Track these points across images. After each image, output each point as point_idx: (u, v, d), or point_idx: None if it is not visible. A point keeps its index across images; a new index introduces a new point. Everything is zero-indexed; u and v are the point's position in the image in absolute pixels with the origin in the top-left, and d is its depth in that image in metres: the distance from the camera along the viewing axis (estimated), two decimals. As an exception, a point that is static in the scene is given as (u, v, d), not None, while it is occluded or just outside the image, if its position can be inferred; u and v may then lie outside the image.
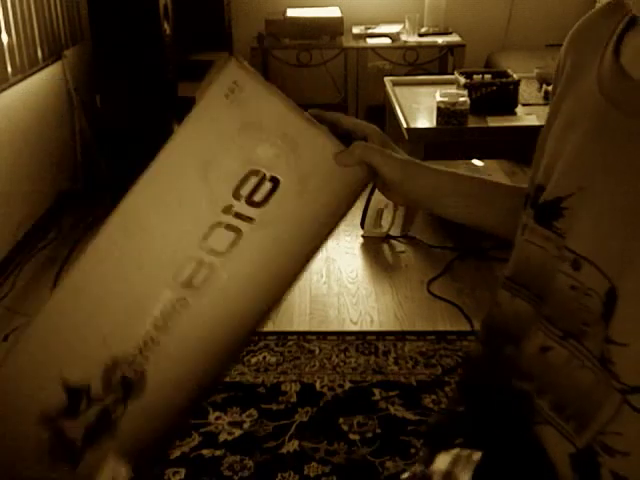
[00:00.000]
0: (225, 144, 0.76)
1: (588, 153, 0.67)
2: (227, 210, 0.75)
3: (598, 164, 0.65)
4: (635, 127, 0.63)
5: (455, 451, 0.74)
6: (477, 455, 0.71)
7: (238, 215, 0.75)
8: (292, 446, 2.04)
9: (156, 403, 0.79)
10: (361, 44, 4.38)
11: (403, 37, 4.38)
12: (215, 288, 0.78)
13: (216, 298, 0.79)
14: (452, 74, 3.61)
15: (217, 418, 2.15)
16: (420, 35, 4.40)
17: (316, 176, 0.78)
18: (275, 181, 0.76)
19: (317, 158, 0.78)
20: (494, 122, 3.13)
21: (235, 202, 0.75)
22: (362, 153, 0.79)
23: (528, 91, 3.47)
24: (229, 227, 0.76)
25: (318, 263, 3.08)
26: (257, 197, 0.75)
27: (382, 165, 0.83)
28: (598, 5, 0.78)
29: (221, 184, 0.75)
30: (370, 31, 4.47)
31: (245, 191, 0.75)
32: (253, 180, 0.75)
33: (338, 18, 4.31)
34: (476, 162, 4.10)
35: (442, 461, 0.75)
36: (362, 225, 3.29)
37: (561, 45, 0.82)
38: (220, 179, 0.75)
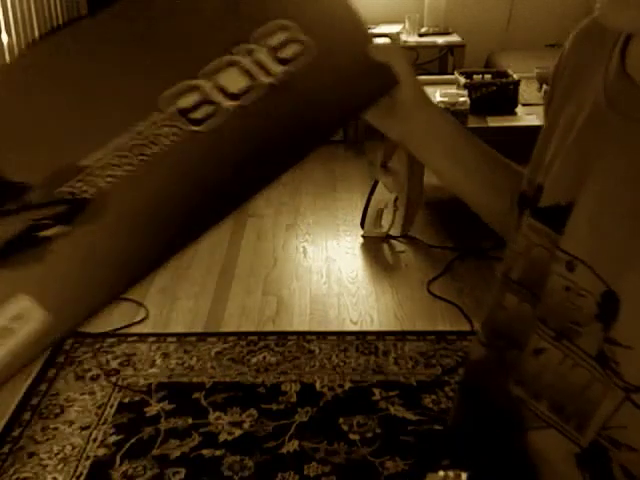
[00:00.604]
0: None
1: (587, 156, 0.67)
2: (248, 52, 0.67)
3: (597, 168, 0.65)
4: (636, 131, 0.63)
5: (442, 474, 0.73)
6: (464, 476, 0.71)
7: (259, 63, 0.68)
8: (292, 446, 2.04)
9: (105, 243, 0.65)
10: (361, 44, 4.37)
11: (403, 37, 4.39)
12: (213, 130, 0.67)
13: (211, 141, 0.67)
14: (452, 74, 3.62)
15: (217, 418, 2.15)
16: (420, 35, 4.41)
17: (345, 56, 0.73)
18: (305, 45, 0.69)
19: (352, 41, 0.75)
20: (494, 122, 3.14)
21: (257, 47, 0.68)
22: (396, 54, 0.78)
23: (528, 91, 3.47)
24: (245, 71, 0.68)
25: (318, 263, 3.08)
26: (283, 54, 0.68)
27: (407, 75, 0.78)
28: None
29: (249, 21, 0.67)
30: (370, 31, 4.46)
31: (272, 41, 0.68)
32: (282, 35, 0.68)
33: (338, 18, 4.30)
34: (476, 162, 4.10)
35: None
36: (362, 225, 3.29)
37: (561, 45, 0.82)
38: (251, 16, 0.68)
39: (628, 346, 0.58)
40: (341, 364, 2.40)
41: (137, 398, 2.25)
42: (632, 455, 0.60)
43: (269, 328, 2.62)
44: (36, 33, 3.34)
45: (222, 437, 2.08)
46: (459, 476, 0.71)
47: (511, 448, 0.71)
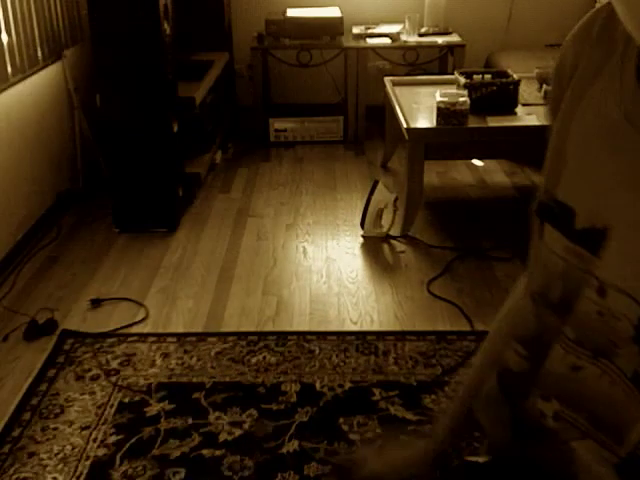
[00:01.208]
0: None
1: (615, 177, 0.65)
2: None
3: (628, 192, 0.63)
4: None
5: None
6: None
7: None
8: (292, 446, 2.04)
9: None
10: (361, 44, 4.38)
11: (403, 37, 4.39)
12: None
13: None
14: (452, 74, 3.62)
15: (217, 418, 2.15)
16: (420, 35, 4.40)
17: None
18: None
19: None
20: (494, 122, 3.14)
21: None
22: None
23: (528, 91, 3.47)
24: None
25: (318, 263, 3.08)
26: None
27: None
28: (598, 5, 0.75)
29: None
30: (370, 31, 4.47)
31: None
32: None
33: (338, 18, 4.31)
34: (476, 162, 4.10)
35: None
36: (362, 225, 3.29)
37: (560, 45, 0.80)
38: None
39: None
40: (341, 364, 2.40)
41: (137, 398, 2.25)
42: None
43: (269, 328, 2.62)
44: (36, 33, 3.34)
45: (222, 437, 2.08)
46: None
47: (544, 455, 0.72)
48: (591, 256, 0.66)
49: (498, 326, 0.94)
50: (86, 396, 2.26)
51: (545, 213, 0.74)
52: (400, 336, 2.54)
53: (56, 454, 2.03)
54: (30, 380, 2.33)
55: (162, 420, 2.15)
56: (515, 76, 3.31)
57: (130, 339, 2.55)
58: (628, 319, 0.61)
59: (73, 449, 2.05)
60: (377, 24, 4.57)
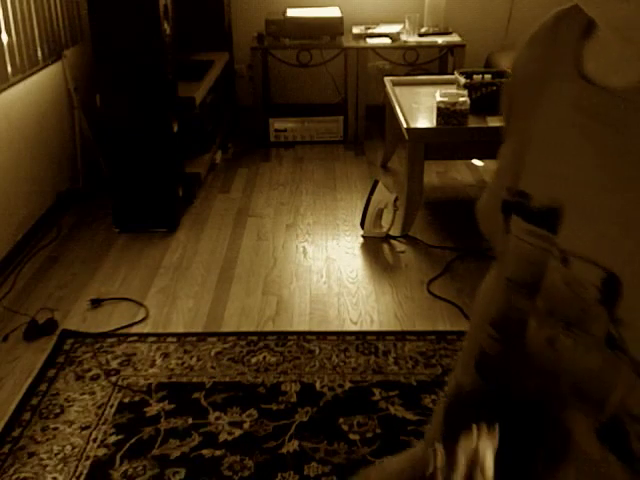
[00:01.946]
0: None
1: (567, 160, 0.70)
2: None
3: (578, 172, 0.68)
4: (606, 135, 0.65)
5: (475, 430, 0.74)
6: (496, 430, 0.71)
7: None
8: (292, 446, 2.04)
9: None
10: (361, 44, 4.38)
11: (403, 37, 4.39)
12: None
13: None
14: (452, 74, 3.62)
15: (217, 418, 2.15)
16: (420, 35, 4.40)
17: None
18: None
19: None
20: (494, 122, 3.13)
21: None
22: None
23: (528, 91, 3.46)
24: None
25: (318, 263, 3.08)
26: None
27: None
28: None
29: None
30: (370, 31, 4.47)
31: None
32: None
33: (338, 18, 4.31)
34: (476, 162, 4.10)
35: (467, 440, 0.74)
36: (362, 225, 3.29)
37: None
38: None
39: (633, 324, 0.61)
40: (341, 364, 2.40)
41: (137, 398, 2.25)
42: None
43: (269, 328, 2.62)
44: (36, 33, 3.34)
45: (222, 437, 2.08)
46: (493, 429, 0.72)
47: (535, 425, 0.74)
48: (551, 234, 0.70)
49: (473, 320, 0.96)
50: (86, 396, 2.26)
51: (509, 207, 0.78)
52: (400, 336, 2.54)
53: (56, 454, 2.03)
54: (30, 380, 2.33)
55: (162, 420, 2.15)
56: (515, 76, 3.30)
57: (130, 339, 2.55)
58: (592, 284, 0.64)
59: (73, 449, 2.05)
60: (377, 24, 4.57)
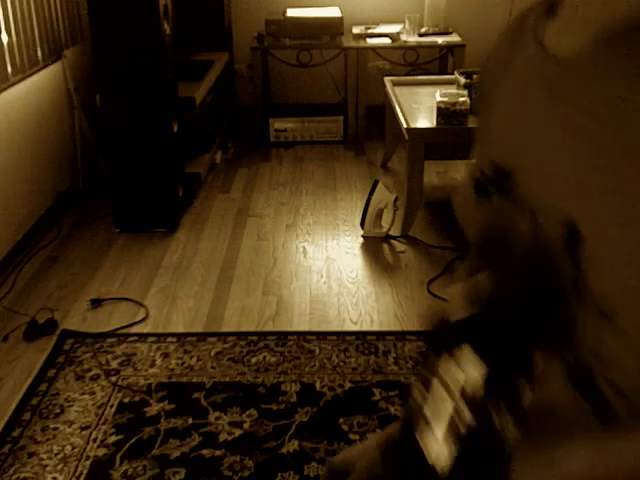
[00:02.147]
0: None
1: (533, 128, 0.73)
2: None
3: (542, 137, 0.71)
4: (571, 104, 0.68)
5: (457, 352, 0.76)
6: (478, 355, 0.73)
7: None
8: (292, 446, 2.04)
9: None
10: (361, 44, 4.38)
11: (403, 37, 4.39)
12: None
13: None
14: (452, 74, 3.62)
15: (217, 418, 2.15)
16: (420, 35, 4.40)
17: None
18: None
19: None
20: (494, 122, 3.13)
21: None
22: None
23: (528, 91, 3.46)
24: None
25: (318, 263, 3.08)
26: None
27: None
28: None
29: None
30: (370, 31, 4.47)
31: None
32: None
33: (338, 18, 4.31)
34: (476, 162, 4.10)
35: (445, 364, 0.75)
36: (362, 225, 3.29)
37: None
38: None
39: (596, 268, 0.64)
40: (341, 364, 2.40)
41: (137, 398, 2.25)
42: (614, 370, 0.64)
43: (269, 328, 2.62)
44: (36, 33, 3.34)
45: (222, 437, 2.08)
46: (475, 354, 0.73)
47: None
48: (516, 194, 0.74)
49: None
50: (86, 396, 2.26)
51: (480, 184, 0.81)
52: (400, 336, 2.54)
53: (56, 454, 2.03)
54: (30, 380, 2.33)
55: (162, 420, 2.15)
56: (515, 76, 3.30)
57: (130, 339, 2.55)
58: (557, 232, 0.67)
59: (73, 449, 2.05)
60: (377, 24, 4.57)
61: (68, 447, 2.05)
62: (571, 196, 0.67)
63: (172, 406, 2.21)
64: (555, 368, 0.70)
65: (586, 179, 0.65)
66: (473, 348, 0.71)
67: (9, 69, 3.06)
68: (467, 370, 0.70)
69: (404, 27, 4.43)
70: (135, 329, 2.63)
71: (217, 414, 2.17)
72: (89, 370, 2.39)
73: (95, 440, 2.08)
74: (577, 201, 0.66)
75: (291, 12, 4.37)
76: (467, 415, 0.66)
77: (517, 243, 0.74)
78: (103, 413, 2.18)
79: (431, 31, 4.44)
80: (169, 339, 2.55)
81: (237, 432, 2.10)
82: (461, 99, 3.06)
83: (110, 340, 2.55)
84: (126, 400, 2.24)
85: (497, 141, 0.80)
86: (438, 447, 0.67)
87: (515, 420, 0.66)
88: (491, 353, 0.70)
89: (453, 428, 0.67)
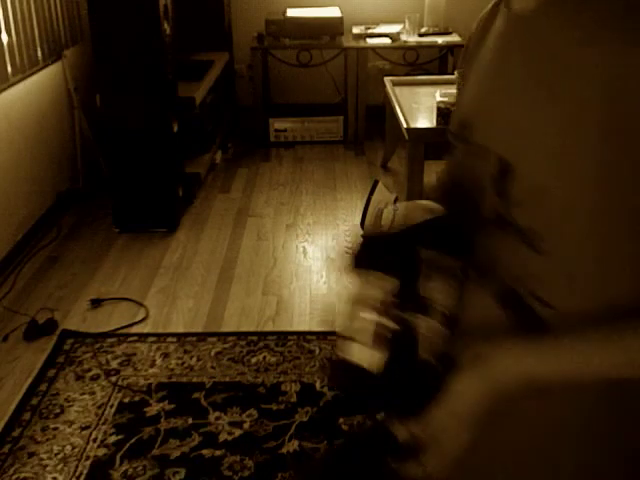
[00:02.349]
0: None
1: (492, 82, 0.80)
2: None
3: (496, 88, 0.79)
4: (522, 56, 0.75)
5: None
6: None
7: None
8: (292, 446, 2.04)
9: None
10: (361, 44, 4.38)
11: (403, 37, 4.38)
12: None
13: None
14: (452, 74, 3.61)
15: (217, 418, 2.15)
16: (420, 35, 4.40)
17: None
18: None
19: None
20: (494, 122, 3.13)
21: None
22: None
23: (528, 91, 3.46)
24: None
25: (318, 263, 3.08)
26: None
27: None
28: None
29: None
30: (370, 31, 4.47)
31: None
32: None
33: (338, 18, 4.31)
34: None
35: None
36: (362, 225, 3.28)
37: None
38: None
39: (522, 201, 0.72)
40: (341, 364, 2.39)
41: (137, 398, 2.25)
42: (541, 289, 0.73)
43: (269, 328, 2.62)
44: (36, 33, 3.34)
45: (222, 437, 2.08)
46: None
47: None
48: (469, 139, 0.82)
49: None
50: (86, 396, 2.26)
51: (449, 144, 0.91)
52: (400, 336, 2.54)
53: (56, 454, 2.03)
54: (30, 380, 2.33)
55: (162, 420, 2.15)
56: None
57: (130, 339, 2.55)
58: (492, 168, 0.75)
59: (73, 449, 2.05)
60: (377, 24, 4.57)
61: (68, 447, 2.05)
62: (510, 135, 0.74)
63: (172, 406, 2.21)
64: (483, 291, 0.79)
65: (524, 122, 0.72)
66: (387, 262, 0.87)
67: (9, 69, 3.06)
68: (383, 285, 0.84)
69: (404, 27, 4.43)
70: (135, 329, 2.63)
71: (217, 414, 2.17)
72: (89, 370, 2.39)
73: (95, 440, 2.08)
74: (514, 139, 0.73)
75: (291, 12, 4.37)
76: (389, 323, 0.79)
77: (466, 182, 0.83)
78: (103, 413, 2.18)
79: (431, 31, 4.44)
80: (169, 339, 2.55)
81: (237, 432, 2.10)
82: (461, 99, 3.06)
83: (110, 340, 2.55)
84: (126, 400, 2.24)
85: (464, 101, 0.88)
86: (370, 354, 0.78)
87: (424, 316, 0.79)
88: (403, 267, 0.85)
89: (380, 336, 0.79)
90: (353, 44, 4.38)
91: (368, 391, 0.80)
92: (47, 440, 2.08)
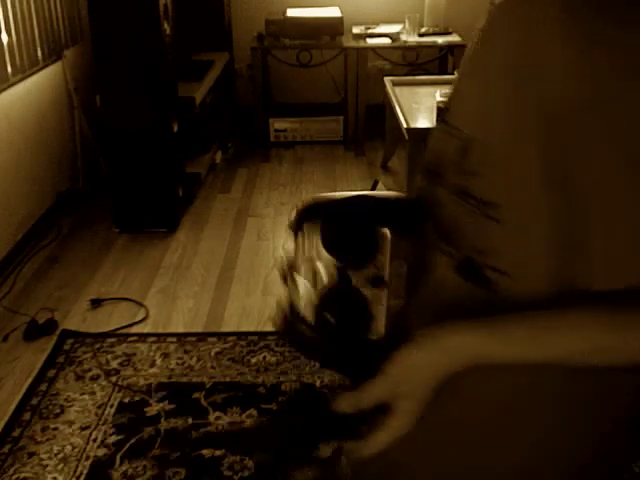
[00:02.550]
0: None
1: (465, 66, 0.86)
2: None
3: (467, 73, 0.85)
4: (491, 44, 0.82)
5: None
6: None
7: None
8: (292, 446, 2.03)
9: None
10: (361, 44, 4.38)
11: (403, 37, 4.38)
12: None
13: None
14: (452, 74, 3.61)
15: (217, 418, 2.16)
16: (420, 35, 4.40)
17: None
18: None
19: None
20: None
21: None
22: None
23: (528, 91, 3.47)
24: None
25: (318, 263, 3.08)
26: None
27: None
28: None
29: None
30: (370, 31, 4.47)
31: None
32: None
33: (338, 18, 4.31)
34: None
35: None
36: (362, 225, 3.28)
37: None
38: None
39: (479, 173, 0.76)
40: (341, 364, 2.39)
41: (137, 398, 2.25)
42: (497, 259, 0.75)
43: (269, 328, 2.62)
44: (36, 33, 3.34)
45: (222, 437, 2.08)
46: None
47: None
48: (447, 121, 0.87)
49: None
50: (86, 396, 2.26)
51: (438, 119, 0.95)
52: (400, 336, 2.54)
53: (56, 454, 2.03)
54: (30, 380, 2.33)
55: (162, 420, 2.15)
56: (515, 76, 3.31)
57: (130, 339, 2.55)
58: (454, 145, 0.80)
59: (73, 449, 2.05)
60: (377, 24, 4.57)
61: (68, 447, 2.05)
62: (476, 115, 0.79)
63: (172, 406, 2.21)
64: (442, 260, 0.82)
65: (485, 100, 0.78)
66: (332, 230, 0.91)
67: (9, 69, 3.06)
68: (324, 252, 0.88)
69: (404, 27, 4.43)
70: (135, 329, 2.63)
71: (217, 414, 2.17)
72: (89, 370, 2.39)
73: (95, 440, 2.08)
74: (478, 117, 0.79)
75: (291, 12, 4.37)
76: (332, 279, 0.85)
77: (436, 159, 0.88)
78: (103, 413, 2.18)
79: (431, 31, 4.44)
80: (169, 339, 2.55)
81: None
82: (461, 99, 3.06)
83: (110, 340, 2.55)
84: (126, 400, 2.24)
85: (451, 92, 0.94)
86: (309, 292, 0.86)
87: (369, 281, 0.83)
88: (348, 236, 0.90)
89: (323, 291, 0.86)
90: (353, 44, 4.38)
91: (310, 344, 0.84)
92: (47, 440, 2.08)
